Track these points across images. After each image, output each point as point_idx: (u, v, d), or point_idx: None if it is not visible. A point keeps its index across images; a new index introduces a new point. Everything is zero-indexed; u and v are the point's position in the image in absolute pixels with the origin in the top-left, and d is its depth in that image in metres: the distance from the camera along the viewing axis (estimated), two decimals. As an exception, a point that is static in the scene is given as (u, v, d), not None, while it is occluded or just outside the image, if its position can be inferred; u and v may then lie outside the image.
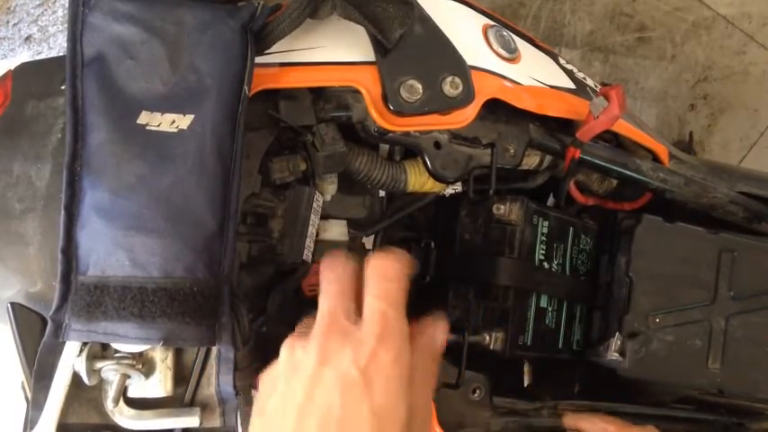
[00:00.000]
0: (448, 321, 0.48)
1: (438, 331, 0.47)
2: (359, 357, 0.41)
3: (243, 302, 0.50)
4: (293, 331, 0.46)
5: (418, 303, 0.68)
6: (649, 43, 1.34)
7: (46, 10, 1.20)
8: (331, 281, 0.45)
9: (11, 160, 0.52)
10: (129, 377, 0.50)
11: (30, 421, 0.49)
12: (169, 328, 0.46)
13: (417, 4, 0.56)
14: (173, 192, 0.47)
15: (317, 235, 0.62)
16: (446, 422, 0.58)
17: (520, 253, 0.61)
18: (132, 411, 0.51)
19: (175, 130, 0.48)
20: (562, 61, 0.69)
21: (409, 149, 0.62)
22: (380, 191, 0.67)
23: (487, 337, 0.60)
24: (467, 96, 0.56)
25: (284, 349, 0.44)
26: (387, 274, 0.45)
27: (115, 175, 0.47)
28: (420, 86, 0.55)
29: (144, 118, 0.48)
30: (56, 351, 0.49)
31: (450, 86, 0.55)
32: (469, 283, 0.62)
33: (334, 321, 0.43)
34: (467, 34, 0.60)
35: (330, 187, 0.62)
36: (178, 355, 0.53)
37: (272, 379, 0.44)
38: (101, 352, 0.50)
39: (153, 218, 0.46)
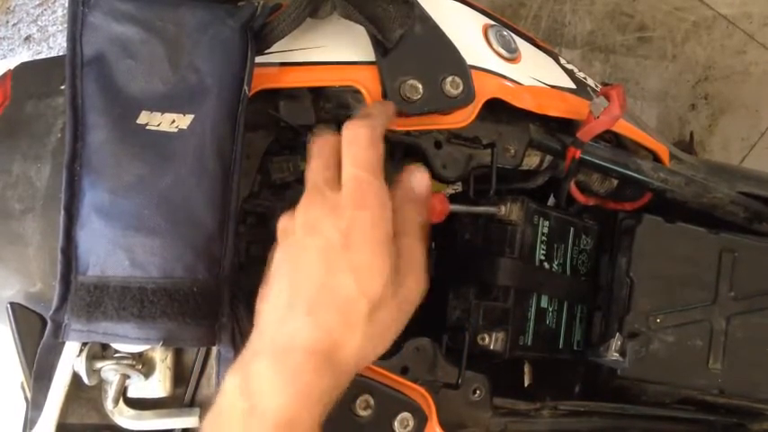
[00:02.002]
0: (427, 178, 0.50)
1: (415, 178, 0.49)
2: (338, 222, 0.43)
3: (243, 303, 0.50)
4: None
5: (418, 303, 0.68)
6: (650, 43, 1.34)
7: (45, 10, 1.20)
8: (314, 155, 0.48)
9: (10, 160, 0.52)
10: (128, 377, 0.50)
11: (29, 421, 0.49)
12: (169, 329, 0.46)
13: (417, 3, 0.56)
14: (172, 192, 0.47)
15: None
16: (446, 422, 0.58)
17: (520, 253, 0.61)
18: (132, 412, 0.51)
19: (175, 130, 0.48)
20: (562, 61, 0.69)
21: (409, 149, 0.61)
22: (381, 191, 0.67)
23: (488, 338, 0.60)
24: (467, 96, 0.56)
25: (279, 222, 0.47)
26: (359, 141, 0.46)
27: (115, 174, 0.47)
28: (420, 86, 0.55)
29: (144, 118, 0.48)
30: (55, 351, 0.49)
31: (451, 86, 0.55)
32: (469, 283, 0.62)
33: (315, 192, 0.45)
34: (467, 34, 0.60)
35: (330, 187, 0.62)
36: (178, 355, 0.53)
37: (274, 250, 0.47)
38: (100, 352, 0.50)
39: (153, 218, 0.46)
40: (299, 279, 0.43)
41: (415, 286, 0.47)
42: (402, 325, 0.46)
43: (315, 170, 0.47)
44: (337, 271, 0.43)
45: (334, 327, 0.42)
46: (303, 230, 0.44)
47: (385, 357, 0.58)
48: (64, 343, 0.48)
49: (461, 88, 0.56)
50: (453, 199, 0.67)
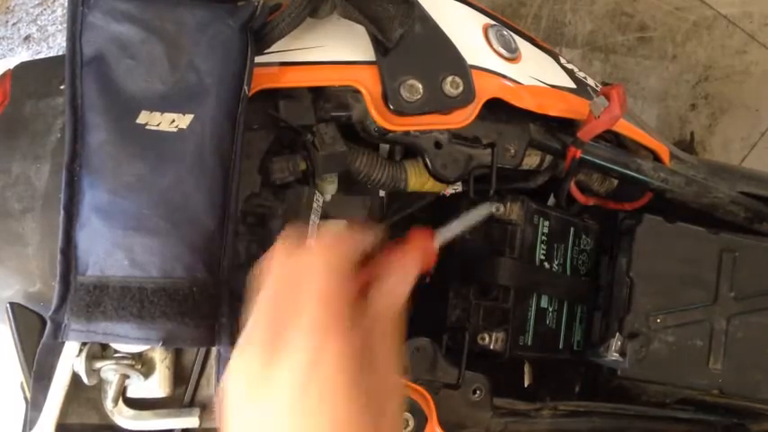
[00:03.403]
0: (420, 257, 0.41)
1: (396, 284, 0.40)
2: (299, 373, 0.35)
3: (243, 303, 0.49)
4: None
5: (418, 303, 0.68)
6: (650, 43, 1.34)
7: (45, 9, 1.20)
8: (267, 285, 0.39)
9: (10, 160, 0.52)
10: (128, 377, 0.50)
11: (29, 421, 0.49)
12: (168, 329, 0.46)
13: (418, 3, 0.55)
14: (172, 192, 0.47)
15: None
16: (446, 422, 0.57)
17: (520, 253, 0.61)
18: (132, 412, 0.51)
19: (175, 130, 0.48)
20: (563, 61, 0.69)
21: (409, 149, 0.61)
22: (381, 191, 0.67)
23: (488, 338, 0.60)
24: (467, 96, 0.56)
25: (235, 352, 0.38)
26: (318, 278, 0.37)
27: (114, 174, 0.47)
28: (420, 86, 0.55)
29: (143, 117, 0.48)
30: (55, 351, 0.49)
31: (451, 86, 0.55)
32: (470, 283, 0.62)
33: (261, 342, 0.37)
34: (467, 34, 0.59)
35: (330, 187, 0.62)
36: (178, 355, 0.53)
37: (228, 385, 0.38)
38: (100, 352, 0.50)
39: (152, 218, 0.46)
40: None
41: (396, 412, 0.39)
42: None
43: (263, 312, 0.37)
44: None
45: None
46: (247, 395, 0.36)
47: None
48: (63, 343, 0.48)
49: (461, 88, 0.55)
50: (454, 199, 0.67)
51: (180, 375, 0.53)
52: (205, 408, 0.53)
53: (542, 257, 0.64)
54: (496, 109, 0.60)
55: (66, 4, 0.50)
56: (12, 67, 0.57)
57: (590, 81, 0.70)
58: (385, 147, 0.63)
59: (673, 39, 1.34)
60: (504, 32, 0.62)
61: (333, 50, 0.55)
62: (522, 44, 0.64)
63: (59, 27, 1.20)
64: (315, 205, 0.59)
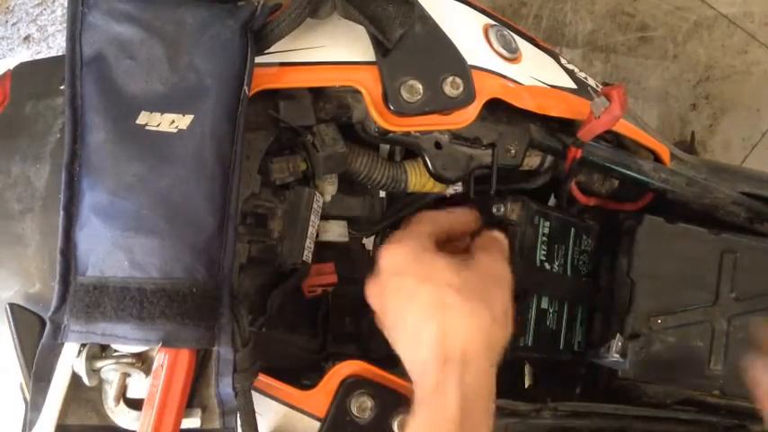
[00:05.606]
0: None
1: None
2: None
3: (242, 303, 0.49)
4: (294, 333, 0.45)
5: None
6: (651, 43, 1.34)
7: (45, 9, 1.20)
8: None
9: (9, 160, 0.52)
10: (129, 375, 0.50)
11: (28, 422, 0.49)
12: (168, 330, 0.46)
13: (418, 3, 0.55)
14: (172, 192, 0.47)
15: (317, 236, 0.62)
16: (447, 423, 0.57)
17: (521, 253, 0.61)
18: (132, 412, 0.51)
19: (175, 131, 0.48)
20: (563, 61, 0.69)
21: (410, 150, 0.61)
22: (381, 191, 0.67)
23: (488, 339, 0.60)
24: (467, 96, 0.56)
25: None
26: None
27: (114, 175, 0.47)
28: (420, 86, 0.54)
29: (143, 118, 0.48)
30: (54, 352, 0.48)
31: (451, 86, 0.55)
32: (470, 284, 0.62)
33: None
34: (467, 34, 0.59)
35: (330, 188, 0.62)
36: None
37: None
38: (100, 352, 0.50)
39: (152, 218, 0.46)
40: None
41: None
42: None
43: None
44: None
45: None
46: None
47: (384, 358, 0.58)
48: (63, 344, 0.48)
49: (462, 89, 0.55)
50: (454, 200, 0.67)
51: (180, 376, 0.52)
52: (205, 408, 0.52)
53: (543, 258, 0.63)
54: (497, 109, 0.60)
55: (66, 4, 0.49)
56: (12, 67, 0.57)
57: (591, 81, 0.70)
58: (385, 147, 0.63)
59: (673, 38, 1.34)
60: (505, 32, 0.62)
61: (333, 51, 0.55)
62: (522, 44, 0.64)
63: (59, 27, 1.20)
64: (315, 206, 0.59)
